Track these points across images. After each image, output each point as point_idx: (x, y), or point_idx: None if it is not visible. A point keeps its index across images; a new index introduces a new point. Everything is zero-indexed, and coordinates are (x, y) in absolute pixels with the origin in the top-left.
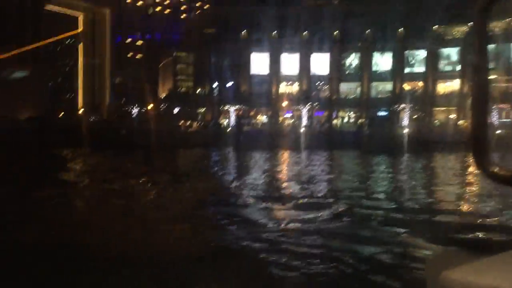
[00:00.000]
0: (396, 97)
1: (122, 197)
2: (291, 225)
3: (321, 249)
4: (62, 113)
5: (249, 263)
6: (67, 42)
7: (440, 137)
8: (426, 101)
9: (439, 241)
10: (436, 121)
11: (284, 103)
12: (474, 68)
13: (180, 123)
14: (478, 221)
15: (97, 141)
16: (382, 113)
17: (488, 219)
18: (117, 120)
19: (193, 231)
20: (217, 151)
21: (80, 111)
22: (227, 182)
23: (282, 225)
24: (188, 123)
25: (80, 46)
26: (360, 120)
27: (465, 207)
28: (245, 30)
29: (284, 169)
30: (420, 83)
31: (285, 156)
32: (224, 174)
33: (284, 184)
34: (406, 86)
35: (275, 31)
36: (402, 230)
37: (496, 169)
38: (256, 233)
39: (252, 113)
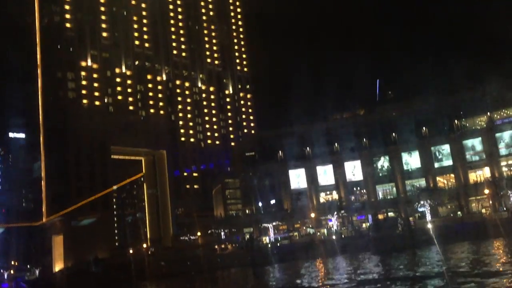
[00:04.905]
0: (430, 192)
1: None
2: None
3: None
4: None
5: None
6: (134, 184)
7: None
8: (459, 192)
9: None
10: (458, 212)
11: (324, 212)
12: None
13: (216, 247)
14: None
15: (150, 273)
16: (420, 209)
17: None
18: (172, 250)
19: None
20: (246, 270)
21: (144, 246)
22: None
23: None
24: (223, 246)
25: (145, 186)
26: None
27: None
28: (280, 151)
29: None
30: (452, 175)
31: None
32: None
33: None
34: (439, 181)
35: (308, 148)
36: None
37: None
38: None
39: (297, 225)
